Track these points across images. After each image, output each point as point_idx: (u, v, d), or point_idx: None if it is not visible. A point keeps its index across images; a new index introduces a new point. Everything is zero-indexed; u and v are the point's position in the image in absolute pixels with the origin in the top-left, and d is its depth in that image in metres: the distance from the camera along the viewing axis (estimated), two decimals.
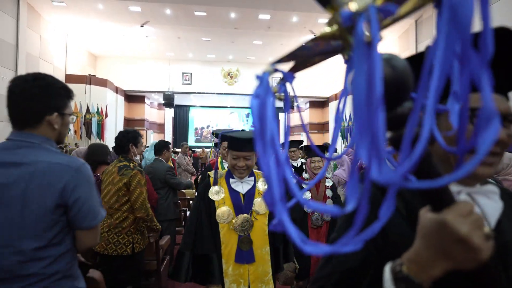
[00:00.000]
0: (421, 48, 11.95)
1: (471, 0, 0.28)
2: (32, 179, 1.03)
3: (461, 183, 0.64)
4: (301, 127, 20.74)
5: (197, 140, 22.43)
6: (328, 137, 18.22)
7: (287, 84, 0.40)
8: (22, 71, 10.69)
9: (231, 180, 1.72)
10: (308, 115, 19.66)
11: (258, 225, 1.67)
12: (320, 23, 12.41)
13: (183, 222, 4.49)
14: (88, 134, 13.86)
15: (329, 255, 0.63)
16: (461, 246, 0.41)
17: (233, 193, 1.69)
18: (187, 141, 22.48)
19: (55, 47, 13.12)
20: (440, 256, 0.44)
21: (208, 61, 17.36)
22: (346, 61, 0.33)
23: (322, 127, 19.08)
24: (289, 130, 0.49)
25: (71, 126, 13.20)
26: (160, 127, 21.72)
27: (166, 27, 13.24)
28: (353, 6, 0.28)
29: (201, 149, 14.22)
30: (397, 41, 13.64)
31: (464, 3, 0.28)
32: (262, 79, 0.35)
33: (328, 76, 17.66)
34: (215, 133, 3.21)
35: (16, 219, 1.01)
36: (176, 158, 5.68)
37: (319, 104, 19.23)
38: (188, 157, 6.52)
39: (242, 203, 1.68)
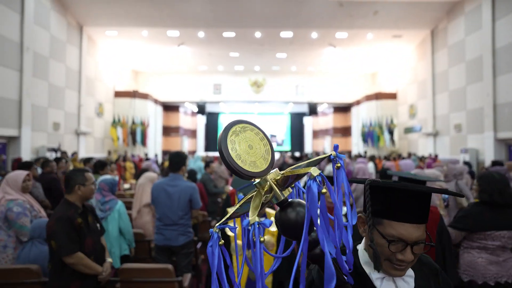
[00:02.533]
0: (437, 56, 12.52)
1: (315, 193, 0.49)
2: (181, 191, 2.61)
3: (385, 274, 0.85)
4: (325, 132, 21.60)
5: None
6: (350, 141, 18.96)
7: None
8: (83, 92, 12.84)
9: (244, 218, 2.24)
10: (332, 120, 20.49)
11: (265, 259, 1.83)
12: (338, 38, 13.38)
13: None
14: (134, 142, 15.92)
15: None
16: None
17: (244, 230, 2.34)
18: (217, 145, 24.16)
19: (106, 68, 15.28)
20: None
21: (236, 73, 18.84)
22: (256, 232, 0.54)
23: (345, 131, 19.82)
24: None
25: (120, 135, 15.31)
26: (193, 133, 23.59)
27: (199, 46, 14.89)
28: (250, 219, 0.53)
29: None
30: (414, 51, 14.19)
31: (311, 199, 0.50)
32: (212, 236, 0.55)
33: (350, 84, 18.45)
34: None
35: (176, 204, 2.60)
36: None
37: (342, 109, 19.99)
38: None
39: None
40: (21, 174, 2.60)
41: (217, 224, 0.58)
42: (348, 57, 15.73)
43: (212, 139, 24.24)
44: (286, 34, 13.23)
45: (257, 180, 0.58)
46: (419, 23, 12.29)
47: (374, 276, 0.86)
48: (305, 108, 20.02)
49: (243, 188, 1.79)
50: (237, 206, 0.62)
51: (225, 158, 0.54)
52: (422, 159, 10.54)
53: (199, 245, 3.22)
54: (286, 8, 11.27)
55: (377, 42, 13.84)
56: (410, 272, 0.89)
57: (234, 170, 0.55)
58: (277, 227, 0.60)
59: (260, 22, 12.34)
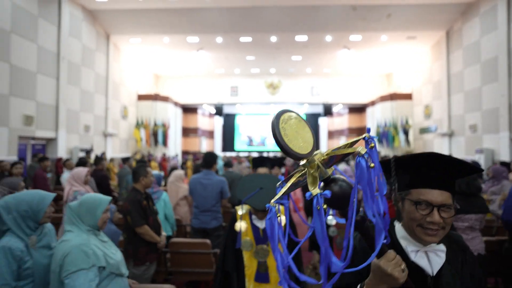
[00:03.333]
0: (452, 57, 12.58)
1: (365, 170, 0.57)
2: (213, 184, 3.17)
3: (420, 243, 0.96)
4: (340, 132, 21.81)
5: (249, 145, 24.69)
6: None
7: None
8: (110, 96, 13.75)
9: (252, 216, 2.00)
10: (347, 121, 20.68)
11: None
12: (352, 40, 13.66)
13: None
14: (156, 143, 16.77)
15: (341, 276, 0.90)
16: (388, 277, 0.77)
17: (254, 227, 1.99)
18: (233, 145, 24.88)
19: (129, 73, 16.18)
20: (379, 282, 0.80)
21: (253, 75, 19.38)
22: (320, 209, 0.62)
23: (360, 132, 19.96)
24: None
25: (143, 136, 16.18)
26: (211, 134, 24.32)
27: (217, 51, 15.54)
28: (313, 192, 0.61)
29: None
30: (429, 51, 14.25)
31: (361, 172, 0.59)
32: (271, 210, 0.65)
33: (365, 85, 18.61)
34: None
35: (209, 194, 3.17)
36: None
37: (357, 110, 20.14)
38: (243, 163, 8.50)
39: (261, 235, 1.97)
40: (84, 170, 3.23)
41: (273, 200, 0.67)
42: (363, 58, 15.94)
43: (229, 140, 24.87)
44: (301, 38, 13.65)
45: (304, 161, 0.67)
46: (433, 24, 12.40)
47: (409, 249, 0.96)
48: (320, 109, 20.30)
49: (249, 198, 1.86)
50: (289, 184, 0.69)
51: (280, 143, 0.63)
52: None
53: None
54: (301, 13, 11.70)
55: (391, 44, 14.01)
56: (441, 247, 0.97)
57: (288, 152, 0.64)
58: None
59: (275, 27, 12.82)
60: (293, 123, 0.68)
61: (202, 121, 22.57)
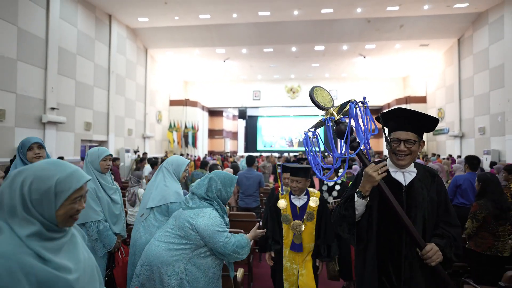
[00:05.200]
0: (464, 63, 13.30)
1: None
2: (254, 177, 4.58)
3: (397, 167, 1.46)
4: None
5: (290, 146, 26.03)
6: (382, 142, 19.88)
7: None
8: (148, 103, 15.51)
9: (292, 196, 2.41)
10: None
11: (307, 228, 2.34)
12: (367, 48, 14.65)
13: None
14: (186, 144, 18.45)
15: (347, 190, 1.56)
16: (370, 177, 1.35)
17: (292, 205, 2.39)
18: (256, 146, 26.27)
19: (163, 81, 17.93)
20: (366, 182, 1.37)
21: (274, 80, 20.68)
22: (329, 126, 1.38)
23: (377, 134, 20.69)
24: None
25: (175, 138, 17.90)
26: (234, 135, 25.86)
27: (242, 60, 16.97)
28: (325, 117, 1.40)
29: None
30: (442, 57, 14.97)
31: (351, 113, 1.31)
32: (306, 134, 1.43)
33: (381, 88, 19.42)
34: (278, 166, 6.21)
35: (251, 184, 4.55)
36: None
37: (374, 112, 20.91)
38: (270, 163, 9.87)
39: (298, 212, 2.37)
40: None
41: (307, 129, 1.36)
42: (378, 64, 16.83)
43: (252, 141, 26.29)
44: (319, 47, 14.81)
45: (325, 111, 1.37)
46: (445, 33, 13.15)
47: (392, 170, 1.49)
48: None
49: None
50: (317, 121, 1.40)
51: (314, 101, 1.32)
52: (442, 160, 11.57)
53: (262, 210, 5.19)
54: (319, 27, 12.87)
55: (405, 51, 14.86)
56: (413, 169, 1.49)
57: (319, 106, 1.33)
58: (334, 133, 1.35)
59: (295, 39, 14.06)
60: (320, 91, 1.36)
61: (227, 123, 24.11)
